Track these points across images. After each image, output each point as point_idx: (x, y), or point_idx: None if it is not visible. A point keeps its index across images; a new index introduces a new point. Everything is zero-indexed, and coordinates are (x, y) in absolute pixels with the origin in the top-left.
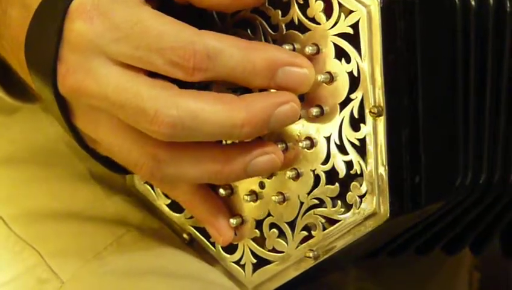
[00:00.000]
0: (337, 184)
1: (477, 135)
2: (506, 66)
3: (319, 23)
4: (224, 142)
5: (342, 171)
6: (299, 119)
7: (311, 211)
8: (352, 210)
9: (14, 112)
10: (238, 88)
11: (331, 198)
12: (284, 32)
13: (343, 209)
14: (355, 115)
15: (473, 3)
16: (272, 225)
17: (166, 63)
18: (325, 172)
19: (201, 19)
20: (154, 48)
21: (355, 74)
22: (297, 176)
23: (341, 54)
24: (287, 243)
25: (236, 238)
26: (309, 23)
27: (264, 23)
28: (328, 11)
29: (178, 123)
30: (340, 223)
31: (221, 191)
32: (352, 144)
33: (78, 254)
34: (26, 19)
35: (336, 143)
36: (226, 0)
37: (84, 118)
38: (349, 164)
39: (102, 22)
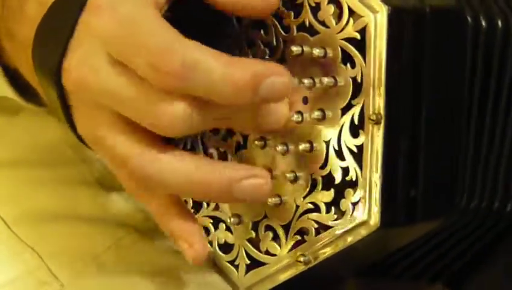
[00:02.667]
0: (332, 190)
1: (477, 157)
2: (506, 87)
3: (328, 27)
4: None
5: (338, 177)
6: (301, 122)
7: (306, 216)
8: (344, 217)
9: (17, 112)
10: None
11: (326, 204)
12: (295, 34)
13: (336, 216)
14: (356, 121)
15: (483, 23)
16: (267, 227)
17: (145, 64)
18: (322, 177)
19: (219, 20)
20: (139, 47)
21: (359, 79)
22: (295, 179)
23: (347, 58)
24: (280, 247)
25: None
26: (319, 26)
27: (277, 23)
28: (338, 16)
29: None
30: (332, 229)
31: None
32: (350, 150)
33: (77, 257)
34: (40, 14)
35: (334, 148)
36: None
37: (84, 115)
38: (345, 170)
39: (108, 16)
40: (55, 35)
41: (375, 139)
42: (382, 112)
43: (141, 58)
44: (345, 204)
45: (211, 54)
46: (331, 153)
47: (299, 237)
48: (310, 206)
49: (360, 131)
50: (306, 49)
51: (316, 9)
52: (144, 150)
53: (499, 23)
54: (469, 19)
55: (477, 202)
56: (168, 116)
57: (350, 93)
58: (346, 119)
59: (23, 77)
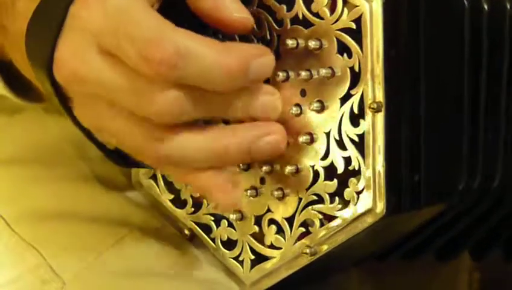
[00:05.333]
0: (335, 180)
1: (485, 139)
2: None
3: (322, 18)
4: None
5: (340, 167)
6: (300, 114)
7: (309, 207)
8: (349, 206)
9: (17, 112)
10: None
11: (329, 194)
12: (288, 27)
13: (340, 206)
14: (355, 110)
15: (485, 6)
16: (271, 221)
17: (136, 55)
18: (324, 168)
19: None
20: (129, 38)
21: (357, 69)
22: (297, 171)
23: (343, 48)
24: (285, 239)
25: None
26: (313, 18)
27: (270, 18)
28: (332, 6)
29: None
30: (337, 219)
31: None
32: (351, 140)
33: (79, 255)
34: (30, 9)
35: (335, 139)
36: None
37: (83, 107)
38: (347, 160)
39: (97, 8)
40: (46, 28)
41: (376, 127)
42: (382, 99)
43: (132, 49)
44: (349, 193)
45: (202, 41)
46: (332, 143)
47: (303, 229)
48: (314, 197)
49: (361, 120)
50: (301, 41)
51: (309, 2)
52: (159, 135)
53: (508, 5)
54: (465, 2)
55: (480, 181)
56: (161, 104)
57: (348, 83)
58: (346, 109)
59: (19, 72)
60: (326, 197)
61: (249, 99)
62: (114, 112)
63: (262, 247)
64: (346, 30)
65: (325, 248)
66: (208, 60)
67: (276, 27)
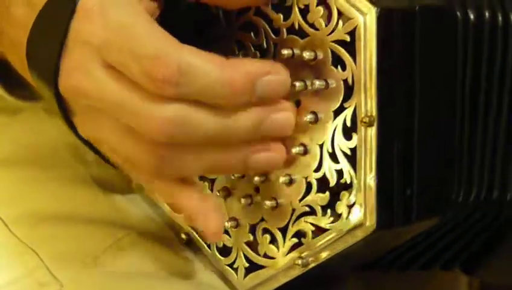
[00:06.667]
0: (327, 193)
1: (472, 151)
2: (496, 79)
3: (318, 29)
4: None
5: (332, 179)
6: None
7: (302, 219)
8: (340, 219)
9: (16, 113)
10: None
11: (322, 206)
12: (285, 36)
13: (332, 218)
14: (348, 123)
15: (471, 16)
16: (265, 230)
17: (140, 72)
18: (317, 180)
19: (208, 21)
20: (133, 54)
21: (350, 82)
22: (291, 182)
23: (337, 61)
24: (278, 249)
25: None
26: (308, 28)
27: (267, 26)
28: (328, 18)
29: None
30: (328, 232)
31: (218, 193)
32: (344, 153)
33: (77, 257)
34: (30, 17)
35: (328, 151)
36: None
37: (83, 118)
38: (339, 173)
39: (99, 21)
40: (49, 41)
41: (368, 141)
42: (374, 113)
43: (135, 66)
44: (341, 207)
45: (205, 58)
46: (325, 156)
47: (296, 240)
48: (306, 209)
49: (353, 134)
50: (296, 51)
51: (305, 12)
52: (158, 149)
53: (486, 14)
54: (458, 14)
55: (475, 195)
56: (162, 120)
57: (342, 96)
58: (339, 121)
59: (15, 70)
60: (319, 209)
61: (259, 115)
62: (114, 124)
63: (257, 256)
64: (341, 42)
65: (317, 260)
66: (212, 76)
67: (273, 36)
